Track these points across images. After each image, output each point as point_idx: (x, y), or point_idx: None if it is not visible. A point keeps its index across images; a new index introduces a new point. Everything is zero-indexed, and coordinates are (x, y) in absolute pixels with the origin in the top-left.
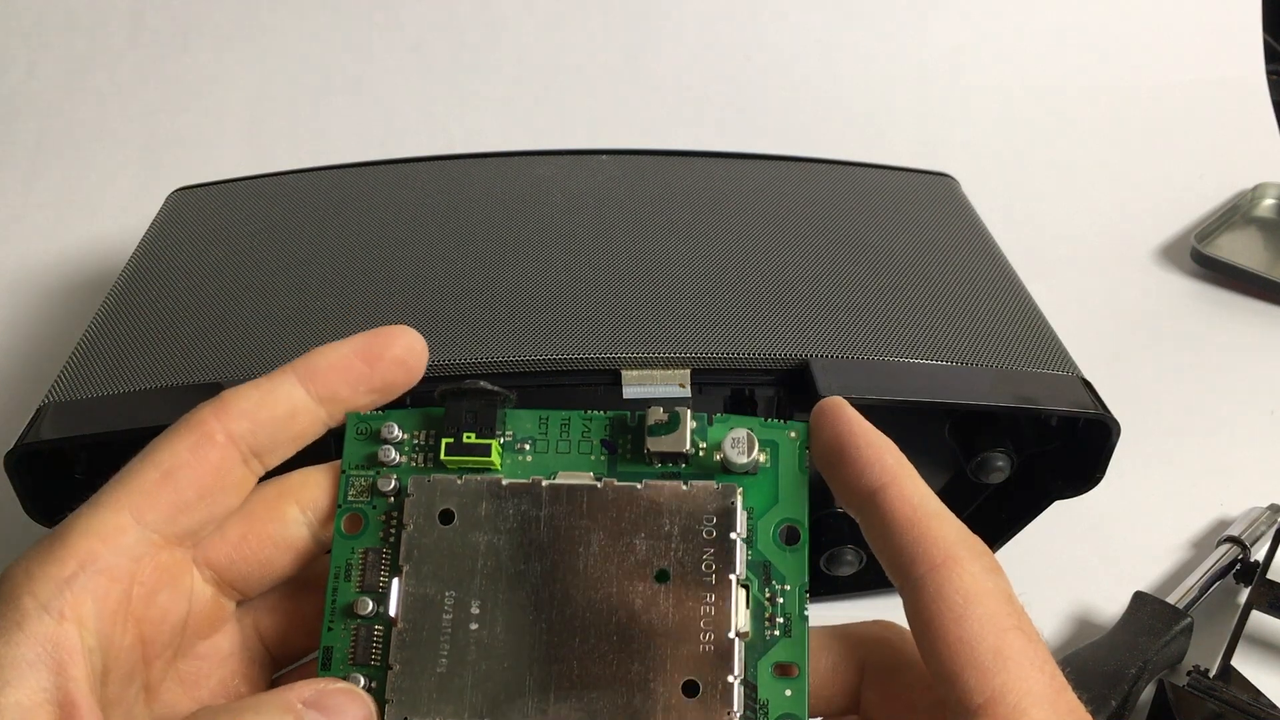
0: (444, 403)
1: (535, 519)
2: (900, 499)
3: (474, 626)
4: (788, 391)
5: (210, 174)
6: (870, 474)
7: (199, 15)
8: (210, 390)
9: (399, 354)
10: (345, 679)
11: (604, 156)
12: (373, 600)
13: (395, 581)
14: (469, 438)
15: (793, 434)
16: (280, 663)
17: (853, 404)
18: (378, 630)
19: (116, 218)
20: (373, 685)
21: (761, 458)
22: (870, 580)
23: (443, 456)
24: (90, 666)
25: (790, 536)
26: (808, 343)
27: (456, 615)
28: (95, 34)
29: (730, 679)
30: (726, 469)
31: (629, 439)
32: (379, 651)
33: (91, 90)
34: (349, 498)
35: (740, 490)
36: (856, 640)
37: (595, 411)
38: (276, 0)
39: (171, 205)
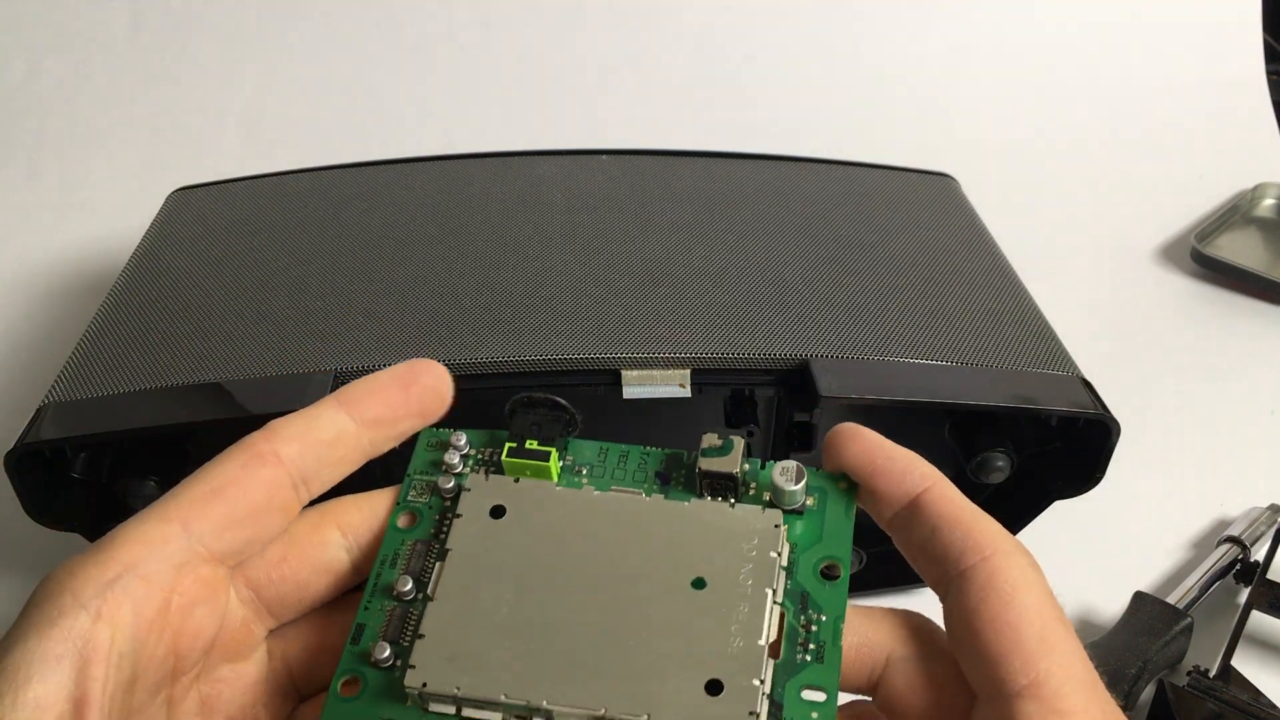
0: (514, 412)
1: (582, 523)
2: (945, 498)
3: (507, 611)
4: (788, 391)
5: (210, 174)
6: (911, 479)
7: (199, 15)
8: (211, 390)
9: (431, 382)
10: (373, 647)
11: (604, 156)
12: (414, 581)
13: (439, 565)
14: (531, 444)
15: (843, 484)
16: (306, 697)
17: (852, 404)
18: (413, 613)
19: (116, 218)
20: (397, 663)
21: (810, 501)
22: (870, 580)
23: (504, 458)
24: (116, 669)
25: (831, 572)
26: (808, 343)
27: (493, 600)
28: (95, 34)
29: (755, 682)
30: (775, 503)
31: (683, 473)
32: (411, 632)
33: (91, 90)
34: (409, 498)
35: (782, 515)
36: (888, 627)
37: (653, 448)
38: (276, 0)
39: (171, 205)
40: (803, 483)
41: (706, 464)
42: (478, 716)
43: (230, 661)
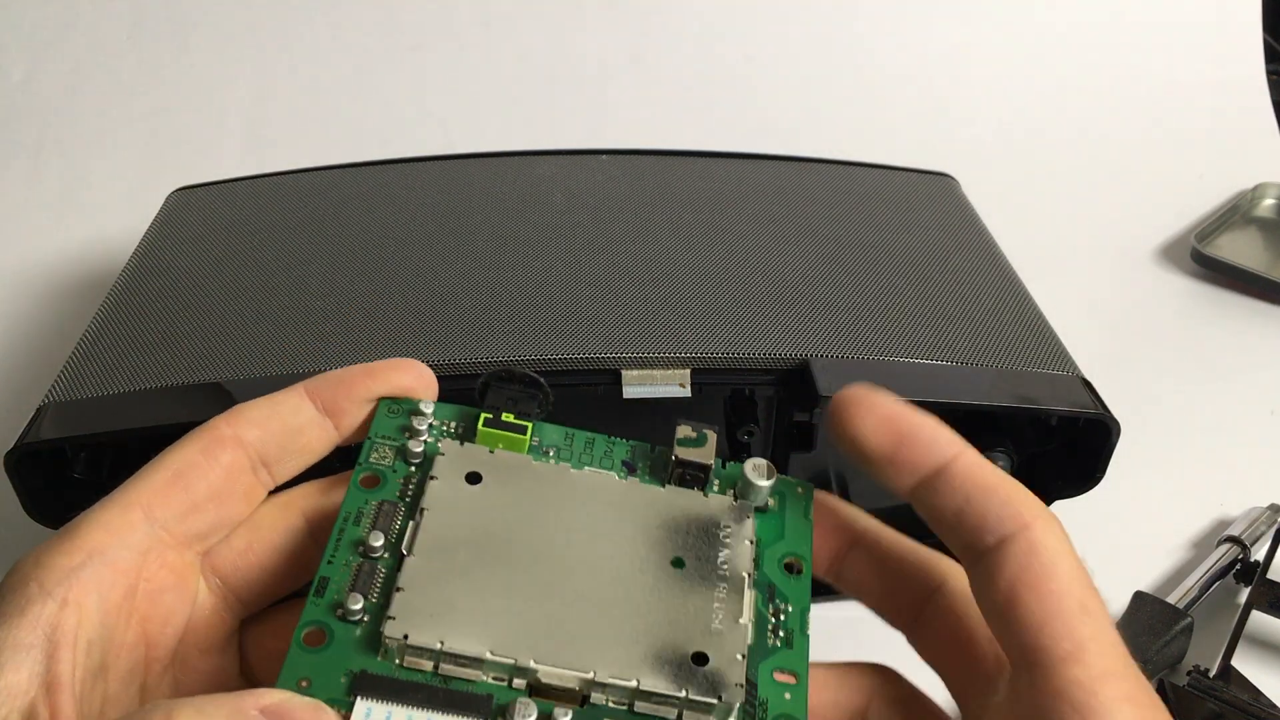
0: (489, 385)
1: (559, 496)
2: (978, 465)
3: (487, 573)
4: (788, 391)
5: (210, 174)
6: (939, 447)
7: (199, 15)
8: (210, 390)
9: (406, 381)
10: (341, 603)
11: (604, 156)
12: (384, 536)
13: (412, 524)
14: (507, 417)
15: (800, 489)
16: None
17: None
18: (381, 570)
19: (116, 218)
20: (365, 619)
21: (771, 503)
22: None
23: (480, 427)
24: (85, 655)
25: (793, 567)
26: (808, 343)
27: (473, 561)
28: (95, 34)
29: (739, 656)
30: (742, 496)
31: (648, 464)
32: (380, 588)
33: (91, 90)
34: (370, 459)
35: (753, 507)
36: (861, 683)
37: (619, 438)
38: (276, 0)
39: (171, 205)
40: (772, 480)
41: (683, 453)
42: (457, 674)
43: (203, 651)
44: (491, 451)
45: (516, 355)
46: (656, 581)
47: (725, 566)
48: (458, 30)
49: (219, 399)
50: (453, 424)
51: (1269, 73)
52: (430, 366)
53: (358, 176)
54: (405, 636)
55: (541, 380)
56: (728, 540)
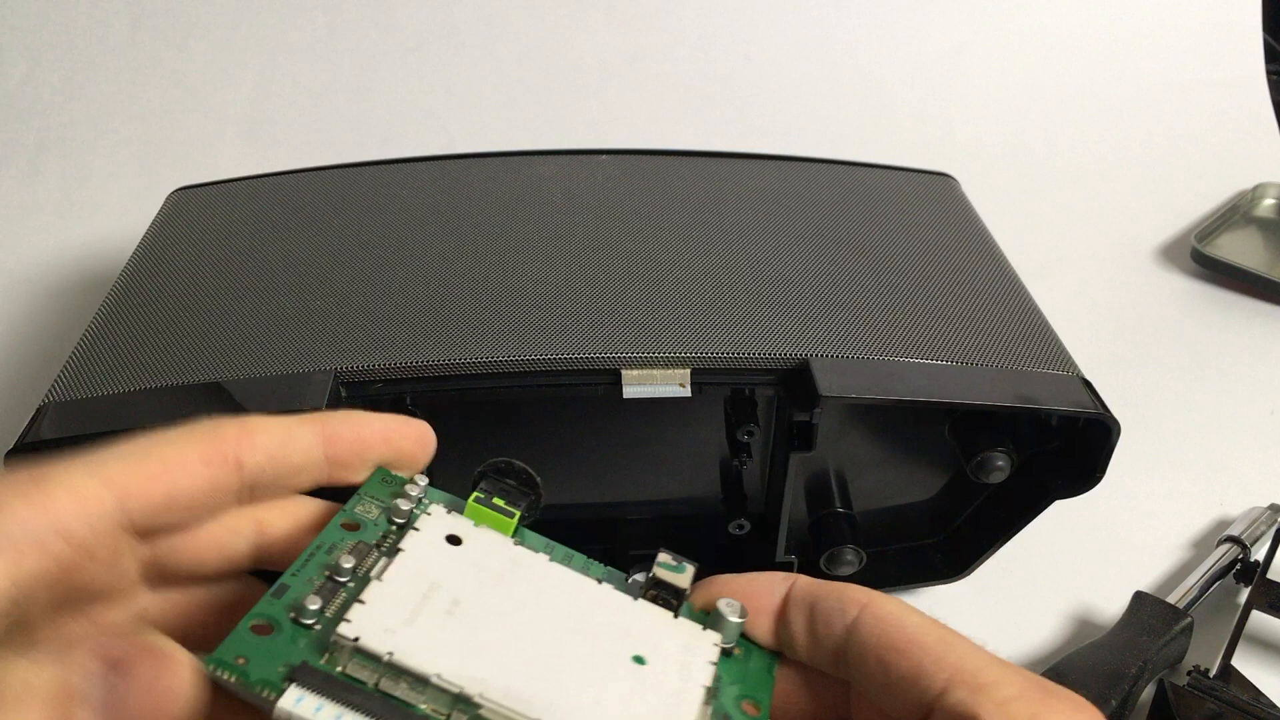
0: (485, 474)
1: (535, 579)
2: (807, 580)
3: (449, 614)
4: (788, 391)
5: (210, 174)
6: (775, 588)
7: (199, 15)
8: (211, 390)
9: (408, 446)
10: (299, 604)
11: (604, 156)
12: (355, 563)
13: (385, 560)
14: (498, 501)
15: (768, 654)
16: None
17: (852, 404)
18: (344, 594)
19: (116, 218)
20: (317, 626)
21: (738, 651)
22: (870, 580)
23: (469, 502)
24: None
25: (751, 709)
26: (808, 343)
27: (437, 600)
28: (95, 34)
29: None
30: (711, 628)
31: (622, 586)
32: (340, 606)
33: (91, 90)
34: (355, 510)
35: (720, 637)
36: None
37: (596, 561)
38: (276, 0)
39: (171, 205)
40: (743, 620)
41: (660, 574)
42: (397, 695)
43: (103, 606)
44: (476, 525)
45: (517, 355)
46: (617, 667)
47: (684, 673)
48: (458, 30)
49: (219, 399)
50: (441, 508)
51: (1269, 73)
52: (430, 366)
53: (358, 176)
54: (356, 639)
55: (538, 480)
56: (689, 658)
